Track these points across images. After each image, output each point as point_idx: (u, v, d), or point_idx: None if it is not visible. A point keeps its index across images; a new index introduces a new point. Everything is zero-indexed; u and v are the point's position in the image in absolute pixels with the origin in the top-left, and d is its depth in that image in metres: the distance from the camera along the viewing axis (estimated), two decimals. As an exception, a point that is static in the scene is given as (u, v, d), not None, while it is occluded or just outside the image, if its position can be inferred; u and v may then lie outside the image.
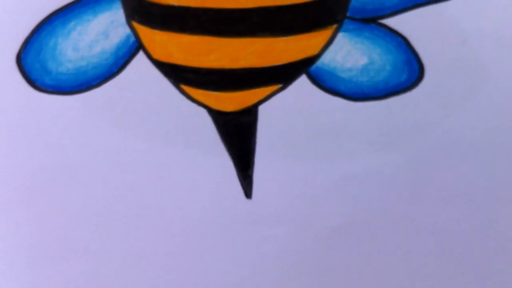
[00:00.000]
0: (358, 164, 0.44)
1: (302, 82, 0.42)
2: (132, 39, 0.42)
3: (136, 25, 0.41)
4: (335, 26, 0.41)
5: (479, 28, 0.40)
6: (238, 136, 0.44)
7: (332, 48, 0.41)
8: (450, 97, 0.42)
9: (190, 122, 0.44)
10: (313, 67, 0.42)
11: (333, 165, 0.44)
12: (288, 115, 0.43)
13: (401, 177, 0.44)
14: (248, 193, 0.45)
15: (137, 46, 0.42)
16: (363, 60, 0.42)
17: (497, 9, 0.40)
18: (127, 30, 0.42)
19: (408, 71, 0.42)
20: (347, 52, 0.41)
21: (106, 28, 0.42)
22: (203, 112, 0.43)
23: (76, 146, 0.45)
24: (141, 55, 0.42)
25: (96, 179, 0.45)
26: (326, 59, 0.42)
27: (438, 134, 0.43)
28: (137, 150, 0.44)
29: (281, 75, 0.42)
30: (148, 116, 0.44)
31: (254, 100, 0.43)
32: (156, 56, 0.42)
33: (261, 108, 0.43)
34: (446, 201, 0.45)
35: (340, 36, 0.41)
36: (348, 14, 0.40)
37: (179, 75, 0.42)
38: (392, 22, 0.40)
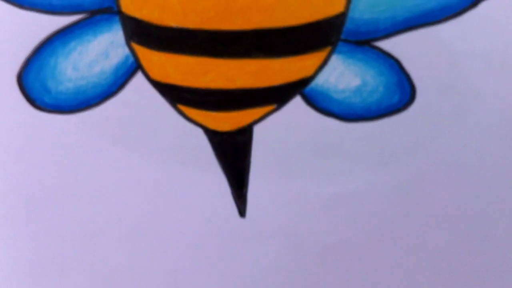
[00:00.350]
0: (350, 183, 0.44)
1: (297, 102, 0.43)
2: (131, 59, 0.42)
3: (135, 46, 0.42)
4: (329, 48, 0.41)
5: (469, 51, 0.41)
6: (233, 155, 0.44)
7: (326, 69, 0.42)
8: (441, 118, 0.43)
9: (186, 141, 0.44)
10: (307, 88, 0.42)
11: (326, 183, 0.45)
12: (282, 135, 0.43)
13: (392, 196, 0.45)
14: (242, 211, 0.46)
15: (136, 66, 0.43)
16: (356, 82, 0.42)
17: (487, 32, 0.40)
18: (126, 50, 0.42)
19: (400, 93, 0.42)
20: (340, 74, 0.42)
21: (106, 49, 0.42)
22: (199, 131, 0.44)
23: (75, 164, 0.45)
24: (139, 75, 0.43)
25: (94, 196, 0.46)
26: (320, 80, 0.42)
27: (429, 154, 0.44)
28: (134, 168, 0.45)
29: (276, 96, 0.42)
30: (146, 134, 0.44)
31: (250, 120, 0.43)
32: (154, 76, 0.42)
33: (256, 128, 0.43)
34: (437, 220, 0.45)
35: (334, 58, 0.41)
36: (342, 37, 0.41)
37: (176, 95, 0.43)
38: (385, 44, 0.41)
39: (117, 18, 0.42)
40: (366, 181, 0.44)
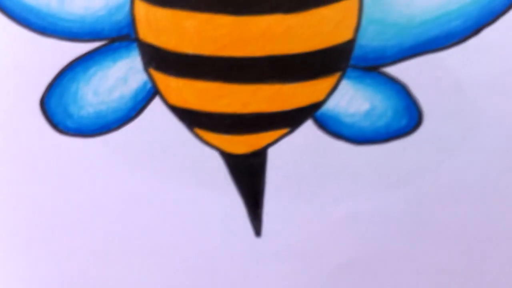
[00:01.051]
0: (360, 203, 0.45)
1: (309, 126, 0.43)
2: (149, 85, 0.43)
3: (153, 71, 0.42)
4: (339, 73, 0.42)
5: (473, 76, 0.41)
6: (248, 177, 0.45)
7: (336, 94, 0.42)
8: (447, 141, 0.43)
9: (203, 163, 0.45)
10: (319, 112, 0.43)
11: (337, 204, 0.45)
12: (295, 157, 0.44)
13: (401, 217, 0.45)
14: (257, 231, 0.46)
15: (154, 91, 0.43)
16: (365, 106, 0.43)
17: (490, 58, 0.41)
18: (145, 76, 0.43)
19: (408, 117, 0.43)
20: (350, 98, 0.42)
21: (125, 75, 0.43)
22: (216, 154, 0.44)
23: (96, 186, 0.46)
24: (157, 100, 0.43)
25: (115, 217, 0.47)
26: (331, 105, 0.43)
27: (437, 176, 0.44)
28: (153, 190, 0.46)
29: (289, 120, 0.43)
30: (164, 157, 0.45)
31: (264, 143, 0.44)
32: (172, 101, 0.43)
33: (270, 151, 0.44)
34: (445, 241, 0.46)
35: (344, 83, 0.42)
36: (351, 63, 0.41)
37: (193, 119, 0.43)
38: (393, 70, 0.42)
39: (135, 45, 0.42)
40: (375, 203, 0.45)
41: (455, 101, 0.42)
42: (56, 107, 0.44)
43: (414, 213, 0.45)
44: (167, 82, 0.42)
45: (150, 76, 0.43)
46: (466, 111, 0.42)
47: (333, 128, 0.43)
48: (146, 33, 0.42)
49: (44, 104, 0.44)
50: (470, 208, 0.45)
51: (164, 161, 0.45)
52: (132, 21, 0.42)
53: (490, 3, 0.40)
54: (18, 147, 0.45)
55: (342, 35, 0.41)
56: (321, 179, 0.45)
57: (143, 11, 0.41)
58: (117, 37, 0.42)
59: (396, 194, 0.45)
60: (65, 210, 0.47)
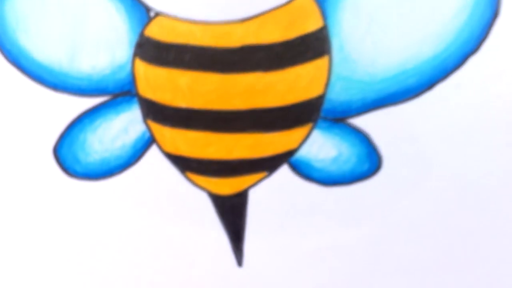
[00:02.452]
0: (328, 238, 0.41)
1: (284, 170, 0.40)
2: (147, 134, 0.39)
3: (150, 123, 0.39)
4: (311, 124, 0.38)
5: (427, 127, 0.38)
6: (232, 215, 0.41)
7: (308, 142, 0.39)
8: (404, 184, 0.39)
9: (193, 203, 0.41)
10: (293, 158, 0.39)
11: (308, 238, 0.41)
12: (272, 197, 0.40)
13: (363, 250, 0.41)
14: (239, 261, 0.42)
15: (151, 140, 0.40)
16: (333, 153, 0.39)
17: (443, 111, 0.38)
18: (143, 127, 0.39)
19: (370, 162, 0.39)
20: (320, 146, 0.39)
21: (126, 126, 0.40)
22: (204, 194, 0.40)
23: (101, 224, 0.42)
24: (154, 148, 0.40)
25: (116, 253, 0.43)
26: (303, 152, 0.39)
27: (394, 214, 0.40)
28: (149, 225, 0.42)
29: (267, 165, 0.39)
30: (160, 197, 0.41)
31: (246, 185, 0.40)
32: (166, 148, 0.39)
33: (251, 191, 0.40)
34: (403, 271, 0.42)
35: (315, 132, 0.39)
36: (321, 115, 0.38)
37: (184, 164, 0.40)
38: (357, 121, 0.38)
39: (135, 99, 0.39)
40: (341, 237, 0.41)
41: (410, 148, 0.39)
42: (67, 154, 0.40)
43: (374, 247, 0.41)
44: (162, 132, 0.39)
45: (148, 127, 0.39)
46: (420, 157, 0.39)
47: (305, 172, 0.40)
48: (145, 89, 0.38)
49: (56, 151, 0.40)
50: (423, 242, 0.41)
51: (160, 200, 0.41)
52: (132, 79, 0.39)
53: (442, 62, 0.37)
54: (33, 189, 0.42)
55: (314, 91, 0.38)
56: (294, 217, 0.40)
57: (142, 70, 0.38)
58: (120, 93, 0.39)
59: (359, 230, 0.41)
60: (73, 245, 0.43)
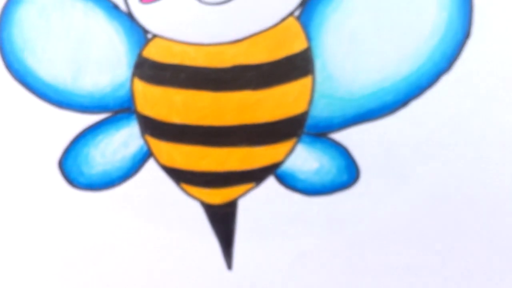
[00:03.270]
0: (311, 244, 0.38)
1: (271, 181, 0.37)
2: (145, 148, 0.37)
3: (148, 137, 0.37)
4: (295, 138, 0.36)
5: (403, 140, 0.35)
6: (223, 222, 0.38)
7: (292, 155, 0.36)
8: (380, 194, 0.36)
9: (187, 211, 0.38)
10: (279, 170, 0.37)
11: (292, 244, 0.38)
12: (260, 207, 0.37)
13: (343, 254, 0.38)
14: (229, 265, 0.39)
15: (149, 154, 0.37)
16: (315, 165, 0.36)
17: (417, 126, 0.35)
18: (141, 141, 0.37)
19: (348, 174, 0.36)
20: (303, 159, 0.36)
21: (126, 140, 0.37)
22: (197, 204, 0.38)
23: (102, 232, 0.39)
24: (151, 161, 0.37)
25: (117, 256, 0.39)
26: (288, 164, 0.36)
27: (371, 222, 0.37)
28: (147, 232, 0.38)
29: (255, 176, 0.37)
30: (156, 206, 0.38)
31: (235, 195, 0.37)
32: (163, 161, 0.37)
33: (240, 201, 0.37)
34: (381, 275, 0.38)
35: (299, 146, 0.36)
36: (305, 130, 0.36)
37: (179, 176, 0.37)
38: (337, 136, 0.36)
39: (134, 116, 0.36)
40: (322, 243, 0.38)
41: (386, 161, 0.36)
42: (71, 167, 0.38)
43: (353, 251, 0.38)
44: (159, 146, 0.36)
45: (146, 141, 0.37)
46: (395, 169, 0.36)
47: (290, 183, 0.37)
48: (143, 106, 0.36)
49: (62, 164, 0.38)
50: (397, 248, 0.37)
51: (156, 209, 0.38)
52: (131, 96, 0.36)
53: (417, 80, 0.35)
54: (40, 200, 0.39)
55: (299, 107, 0.35)
56: (280, 224, 0.38)
57: (140, 88, 0.36)
58: (120, 110, 0.37)
59: (339, 236, 0.37)
60: (78, 252, 0.39)
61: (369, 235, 0.37)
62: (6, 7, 0.36)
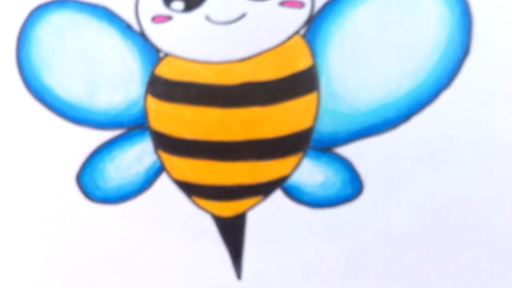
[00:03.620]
0: (317, 253, 0.36)
1: (278, 194, 0.36)
2: (158, 163, 0.36)
3: (161, 152, 0.35)
4: (301, 153, 0.35)
5: (403, 155, 0.34)
6: (232, 234, 0.37)
7: (299, 169, 0.35)
8: (382, 206, 0.35)
9: (198, 223, 0.36)
10: (285, 183, 0.35)
11: (300, 254, 0.36)
12: (267, 218, 0.36)
13: (348, 262, 0.36)
14: (238, 274, 0.37)
15: (161, 168, 0.36)
16: (320, 178, 0.35)
17: (418, 140, 0.34)
18: (155, 157, 0.36)
19: (352, 187, 0.35)
20: (309, 173, 0.35)
21: (139, 155, 0.36)
22: (208, 216, 0.36)
23: (118, 243, 0.37)
24: (164, 175, 0.36)
25: (132, 267, 0.38)
26: (295, 177, 0.35)
27: (373, 232, 0.36)
28: (162, 243, 0.37)
29: (263, 189, 0.36)
30: (169, 218, 0.37)
31: (244, 208, 0.36)
32: (175, 175, 0.36)
33: (249, 213, 0.36)
34: (381, 282, 0.37)
35: (305, 160, 0.35)
36: (311, 144, 0.34)
37: (190, 189, 0.36)
38: (342, 150, 0.34)
39: (147, 132, 0.35)
40: (328, 252, 0.36)
41: (389, 174, 0.35)
42: (88, 182, 0.36)
43: (357, 259, 0.36)
44: (171, 161, 0.35)
45: (158, 156, 0.36)
46: (398, 182, 0.35)
47: (296, 196, 0.36)
48: (155, 123, 0.35)
49: (79, 179, 0.36)
50: (399, 257, 0.36)
51: (169, 221, 0.37)
52: (145, 113, 0.35)
53: (418, 96, 0.33)
54: (59, 212, 0.37)
55: (304, 123, 0.34)
56: (287, 235, 0.36)
57: (153, 105, 0.35)
58: (134, 126, 0.35)
59: (344, 246, 0.36)
60: (93, 262, 0.38)
61: (372, 245, 0.36)
62: (24, 27, 0.35)
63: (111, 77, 0.35)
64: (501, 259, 0.35)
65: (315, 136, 0.34)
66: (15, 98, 0.36)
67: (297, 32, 0.33)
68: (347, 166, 0.34)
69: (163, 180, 0.36)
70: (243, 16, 0.33)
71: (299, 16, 0.33)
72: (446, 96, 0.33)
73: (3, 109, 0.36)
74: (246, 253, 0.37)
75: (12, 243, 0.38)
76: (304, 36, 0.33)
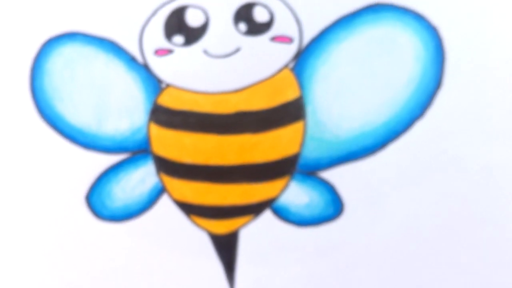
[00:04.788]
0: (303, 268, 0.32)
1: (267, 214, 0.32)
2: (160, 185, 0.32)
3: (162, 175, 0.32)
4: (289, 176, 0.31)
5: (382, 178, 0.30)
6: (226, 249, 0.33)
7: (286, 191, 0.31)
8: (361, 226, 0.31)
9: (195, 240, 0.32)
10: (274, 204, 0.32)
11: (287, 269, 0.32)
12: (257, 236, 0.32)
13: (330, 278, 0.32)
14: (232, 287, 0.33)
15: (163, 189, 0.32)
16: (306, 200, 0.32)
17: (394, 166, 0.30)
18: (157, 179, 0.32)
19: (334, 208, 0.31)
20: (295, 194, 0.32)
21: (143, 177, 0.32)
22: (204, 233, 0.32)
23: (123, 257, 0.33)
24: (165, 196, 0.32)
25: (135, 280, 0.33)
26: (282, 199, 0.32)
27: (354, 250, 0.32)
28: (161, 258, 0.33)
29: (253, 209, 0.32)
30: (169, 235, 0.32)
31: (237, 226, 0.32)
32: (175, 196, 0.32)
33: (241, 231, 0.32)
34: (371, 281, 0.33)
35: (292, 183, 0.31)
36: (297, 169, 0.31)
37: (189, 209, 0.32)
38: (325, 174, 0.31)
39: (150, 156, 0.32)
40: (313, 268, 0.32)
41: (367, 197, 0.31)
42: (96, 201, 0.32)
43: (339, 275, 0.32)
44: (172, 183, 0.32)
45: (160, 179, 0.32)
46: (376, 204, 0.31)
47: (284, 215, 0.32)
48: (158, 148, 0.31)
49: (88, 199, 0.32)
50: (379, 273, 0.32)
51: (169, 238, 0.33)
52: (148, 139, 0.31)
53: (394, 126, 0.30)
54: (70, 231, 0.33)
55: (292, 149, 0.31)
56: (276, 251, 0.32)
57: (155, 132, 0.31)
58: (138, 151, 0.32)
59: (327, 262, 0.32)
60: (98, 271, 0.33)
61: (352, 261, 0.32)
62: (37, 59, 0.32)
63: (117, 106, 0.31)
64: (484, 272, 0.32)
65: (301, 161, 0.31)
66: (30, 125, 0.32)
67: (286, 66, 0.31)
68: (330, 189, 0.31)
69: (165, 200, 0.33)
70: (237, 50, 0.30)
71: (288, 51, 0.31)
72: (419, 126, 0.30)
73: (18, 135, 0.32)
74: (239, 267, 0.33)
75: (26, 256, 0.34)
76: (292, 69, 0.31)
